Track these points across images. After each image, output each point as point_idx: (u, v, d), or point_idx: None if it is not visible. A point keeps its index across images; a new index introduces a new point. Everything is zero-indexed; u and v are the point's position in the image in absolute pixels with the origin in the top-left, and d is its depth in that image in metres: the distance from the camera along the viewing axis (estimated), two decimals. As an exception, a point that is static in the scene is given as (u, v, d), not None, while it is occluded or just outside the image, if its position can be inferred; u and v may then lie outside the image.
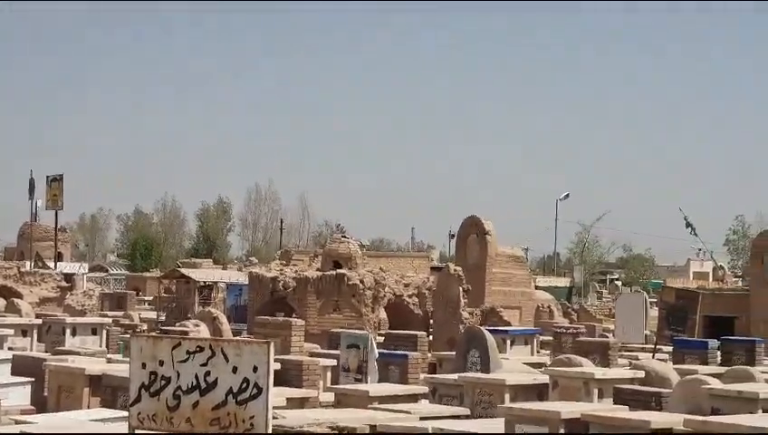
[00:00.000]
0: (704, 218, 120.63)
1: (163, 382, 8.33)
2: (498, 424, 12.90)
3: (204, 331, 18.17)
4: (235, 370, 8.08)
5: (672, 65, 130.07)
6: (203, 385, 8.23)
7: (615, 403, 15.22)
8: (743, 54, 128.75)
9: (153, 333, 15.87)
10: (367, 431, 10.72)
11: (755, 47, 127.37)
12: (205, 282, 41.12)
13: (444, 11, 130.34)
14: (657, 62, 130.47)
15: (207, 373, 8.19)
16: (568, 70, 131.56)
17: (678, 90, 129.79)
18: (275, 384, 16.96)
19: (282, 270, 30.61)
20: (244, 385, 8.08)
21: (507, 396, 15.92)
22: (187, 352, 8.25)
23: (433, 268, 45.66)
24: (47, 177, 53.99)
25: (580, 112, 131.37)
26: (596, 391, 16.11)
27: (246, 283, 33.87)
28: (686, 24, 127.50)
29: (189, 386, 8.26)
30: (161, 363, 8.34)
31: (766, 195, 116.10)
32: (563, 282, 67.27)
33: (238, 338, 10.13)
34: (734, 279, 59.33)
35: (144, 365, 8.45)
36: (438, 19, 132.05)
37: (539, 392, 16.45)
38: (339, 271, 28.89)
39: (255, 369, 8.03)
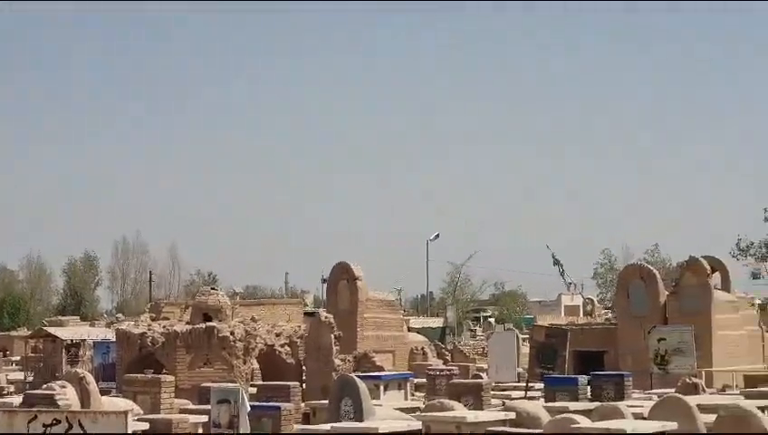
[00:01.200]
0: (573, 252, 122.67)
1: (20, 458, 8.10)
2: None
3: (70, 392, 17.72)
4: (92, 441, 7.90)
5: (522, 95, 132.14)
6: (60, 459, 8.02)
7: (487, 447, 15.33)
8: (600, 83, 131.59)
9: (9, 406, 15.47)
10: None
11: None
12: (72, 340, 40.37)
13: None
14: (493, 90, 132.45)
15: (65, 446, 7.99)
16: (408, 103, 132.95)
17: (534, 123, 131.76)
18: (145, 445, 16.75)
19: (150, 325, 30.13)
20: (103, 456, 7.89)
21: (380, 445, 15.89)
22: (44, 426, 8.03)
23: (306, 314, 45.51)
24: None
25: (437, 151, 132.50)
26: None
27: (114, 340, 33.30)
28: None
29: (46, 460, 8.05)
30: (17, 438, 8.12)
31: (631, 228, 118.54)
32: (437, 322, 67.67)
33: (93, 410, 9.89)
34: (605, 310, 60.35)
35: (-1, 440, 8.21)
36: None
37: (412, 439, 16.46)
38: (208, 324, 28.55)
39: (113, 439, 7.87)
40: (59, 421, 8.07)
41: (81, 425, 7.93)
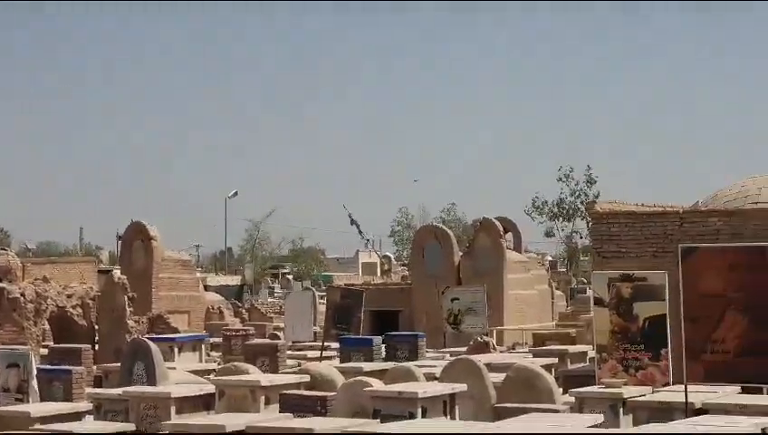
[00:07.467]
0: (371, 210, 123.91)
1: None
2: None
3: None
4: None
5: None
6: None
7: (281, 410, 15.31)
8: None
9: None
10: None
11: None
12: None
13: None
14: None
15: None
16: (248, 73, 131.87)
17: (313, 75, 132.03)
18: None
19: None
20: None
21: (173, 409, 15.71)
22: None
23: (101, 271, 44.76)
24: None
25: (233, 109, 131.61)
26: (263, 398, 16.17)
27: None
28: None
29: None
30: None
31: (429, 189, 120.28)
32: (235, 280, 67.56)
33: None
34: (402, 267, 61.20)
35: None
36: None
37: (206, 403, 16.33)
38: (-2, 285, 27.83)
39: None
40: None
41: None
